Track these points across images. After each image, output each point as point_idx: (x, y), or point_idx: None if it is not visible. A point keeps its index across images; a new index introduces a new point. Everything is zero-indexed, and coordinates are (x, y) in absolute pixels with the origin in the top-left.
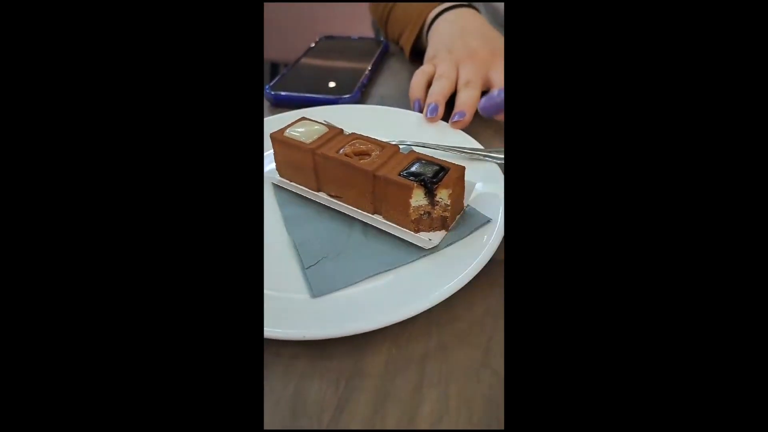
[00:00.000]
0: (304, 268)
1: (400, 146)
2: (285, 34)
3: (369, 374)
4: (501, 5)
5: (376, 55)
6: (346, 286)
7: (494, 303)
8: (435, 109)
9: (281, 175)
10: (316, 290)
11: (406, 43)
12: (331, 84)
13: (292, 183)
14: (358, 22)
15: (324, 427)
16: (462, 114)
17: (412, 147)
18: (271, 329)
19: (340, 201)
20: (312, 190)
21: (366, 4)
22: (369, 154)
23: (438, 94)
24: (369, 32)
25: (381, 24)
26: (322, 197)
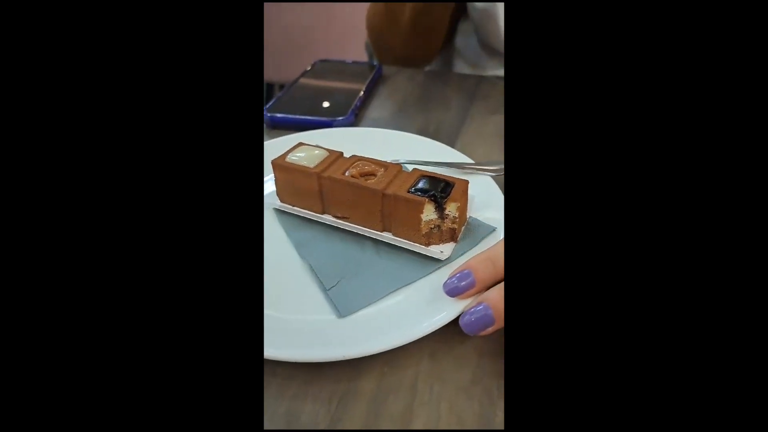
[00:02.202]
0: (326, 290)
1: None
2: (280, 56)
3: (362, 392)
4: (500, 5)
5: (369, 78)
6: (371, 303)
7: None
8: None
9: (282, 201)
10: (343, 310)
11: None
12: (326, 105)
13: (294, 207)
14: (353, 47)
15: None
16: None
17: (415, 166)
18: (283, 350)
19: (347, 221)
20: (317, 213)
21: (360, 29)
22: (374, 175)
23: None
24: (363, 56)
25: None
26: (328, 219)
